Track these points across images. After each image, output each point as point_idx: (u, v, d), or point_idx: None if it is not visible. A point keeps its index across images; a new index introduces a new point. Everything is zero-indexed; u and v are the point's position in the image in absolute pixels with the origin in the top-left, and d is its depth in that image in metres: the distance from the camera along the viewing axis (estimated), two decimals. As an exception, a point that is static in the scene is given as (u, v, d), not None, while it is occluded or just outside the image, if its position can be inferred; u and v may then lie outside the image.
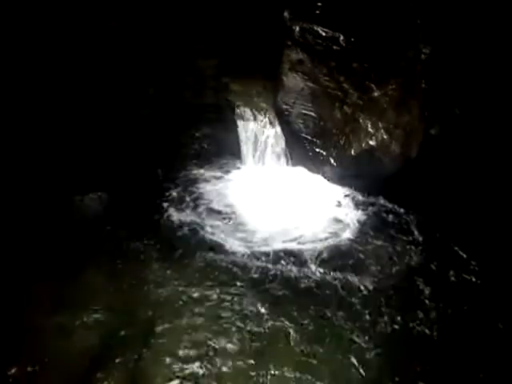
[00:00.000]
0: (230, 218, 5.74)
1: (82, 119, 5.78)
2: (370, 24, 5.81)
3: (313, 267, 4.97)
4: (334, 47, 6.07)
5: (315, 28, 6.15)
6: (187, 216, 5.75)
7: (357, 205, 5.99)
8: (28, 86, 5.43)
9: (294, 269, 4.95)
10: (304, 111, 6.25)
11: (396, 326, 4.31)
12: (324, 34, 6.10)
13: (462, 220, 5.50)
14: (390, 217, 5.76)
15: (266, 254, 5.16)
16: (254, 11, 6.82)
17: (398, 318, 4.38)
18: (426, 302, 4.57)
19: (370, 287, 4.74)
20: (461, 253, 5.13)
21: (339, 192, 6.21)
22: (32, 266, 4.90)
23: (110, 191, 5.97)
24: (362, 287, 4.73)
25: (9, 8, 5.16)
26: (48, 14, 5.32)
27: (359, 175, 6.12)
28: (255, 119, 6.49)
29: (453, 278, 4.84)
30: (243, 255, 5.16)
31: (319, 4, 6.13)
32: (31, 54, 5.38)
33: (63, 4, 5.34)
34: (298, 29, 6.22)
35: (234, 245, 5.30)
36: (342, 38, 6.02)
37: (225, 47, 6.37)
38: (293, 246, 5.32)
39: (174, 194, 6.12)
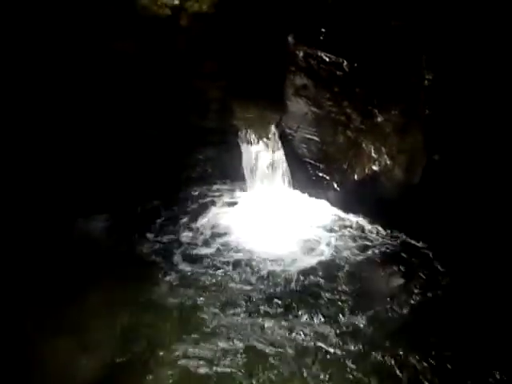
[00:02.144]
0: (231, 243, 5.70)
1: (87, 141, 5.81)
2: (374, 50, 5.84)
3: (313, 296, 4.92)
4: (338, 72, 6.09)
5: (319, 53, 6.19)
6: (189, 239, 5.74)
7: (359, 230, 5.94)
8: (33, 105, 5.49)
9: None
10: (307, 135, 6.28)
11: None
12: (328, 59, 6.14)
13: (465, 247, 5.44)
14: (392, 243, 5.70)
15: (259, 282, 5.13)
16: (259, 36, 6.89)
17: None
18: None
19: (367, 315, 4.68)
20: (464, 283, 5.07)
21: (342, 217, 6.17)
22: (33, 287, 4.88)
23: (113, 213, 5.99)
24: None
25: (13, 26, 5.22)
26: (53, 36, 5.38)
27: (362, 200, 6.09)
28: (259, 143, 6.51)
29: (453, 306, 4.78)
30: (241, 281, 5.13)
31: (323, 30, 6.18)
32: (35, 72, 5.43)
33: (68, 25, 5.40)
34: (301, 54, 6.27)
35: (233, 270, 5.27)
36: (345, 63, 6.05)
37: (230, 71, 6.40)
38: (288, 272, 5.28)
39: (177, 216, 6.12)
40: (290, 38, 6.44)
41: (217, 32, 6.01)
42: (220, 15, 5.87)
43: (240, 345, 4.31)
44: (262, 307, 4.76)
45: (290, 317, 4.65)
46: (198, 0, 5.72)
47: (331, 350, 4.26)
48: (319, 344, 4.32)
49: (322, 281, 5.11)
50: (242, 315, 4.66)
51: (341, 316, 4.64)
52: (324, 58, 6.17)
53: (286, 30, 6.57)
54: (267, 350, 4.25)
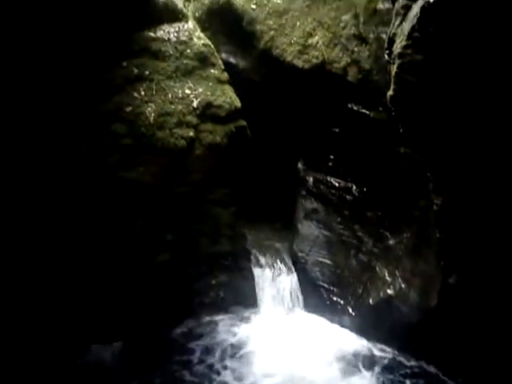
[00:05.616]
0: (245, 370, 5.52)
1: (99, 268, 5.81)
2: (382, 175, 6.04)
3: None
4: (348, 197, 6.28)
5: (328, 179, 6.43)
6: (204, 371, 5.54)
7: (374, 357, 5.73)
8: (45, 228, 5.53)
9: None
10: (320, 259, 6.31)
11: None
12: (337, 184, 6.36)
13: (489, 376, 5.20)
14: (410, 371, 5.48)
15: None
16: (270, 163, 7.17)
17: None
18: None
19: None
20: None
21: (357, 343, 5.98)
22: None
23: (126, 341, 5.86)
24: None
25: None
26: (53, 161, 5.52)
27: (378, 324, 5.95)
28: (271, 267, 6.53)
29: None
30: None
31: (331, 157, 6.44)
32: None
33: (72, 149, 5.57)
34: (311, 179, 6.51)
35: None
36: (354, 187, 6.26)
37: (241, 197, 6.56)
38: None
39: (190, 343, 5.96)
40: (299, 165, 6.72)
41: (229, 160, 6.24)
42: (233, 145, 6.13)
43: None
44: None
45: None
46: (211, 131, 6.01)
47: None
48: None
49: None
50: None
51: None
52: (333, 183, 6.39)
53: (295, 156, 6.87)
54: None
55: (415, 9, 4.09)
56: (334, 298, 6.18)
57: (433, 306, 5.55)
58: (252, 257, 6.60)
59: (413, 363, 5.63)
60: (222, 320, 6.38)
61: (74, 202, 5.58)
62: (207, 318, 6.37)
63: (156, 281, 6.12)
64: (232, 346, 5.98)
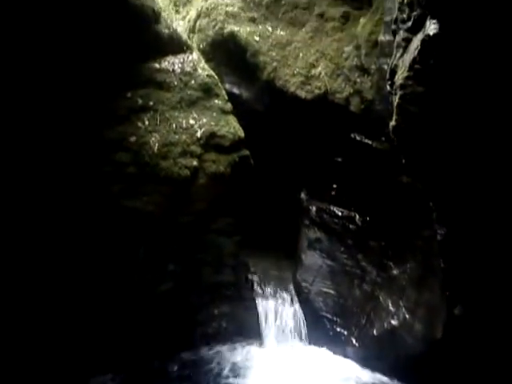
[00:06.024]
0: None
1: (99, 298, 5.78)
2: (385, 204, 6.03)
3: None
4: (351, 226, 6.27)
5: (331, 208, 6.44)
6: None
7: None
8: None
9: None
10: (323, 289, 6.27)
11: None
12: (340, 213, 6.35)
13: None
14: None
15: None
16: (273, 192, 7.18)
17: None
18: None
19: None
20: None
21: (362, 375, 5.88)
22: None
23: (126, 373, 5.77)
24: None
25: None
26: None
27: (383, 356, 5.86)
28: (274, 297, 6.49)
29: None
30: None
31: (334, 186, 6.45)
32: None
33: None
34: (314, 209, 6.52)
35: None
36: (357, 217, 6.26)
37: (245, 226, 6.55)
38: None
39: (191, 374, 5.86)
40: (302, 194, 6.73)
41: (233, 189, 6.26)
42: (236, 174, 6.15)
43: None
44: None
45: None
46: (215, 161, 6.05)
47: None
48: None
49: None
50: None
51: None
52: (336, 212, 6.39)
53: (298, 186, 6.89)
54: None
55: (416, 41, 4.16)
56: (338, 329, 6.11)
57: (438, 338, 5.47)
58: (255, 287, 6.56)
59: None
60: (225, 351, 6.30)
61: (77, 230, 5.59)
62: (209, 349, 6.28)
63: (158, 310, 6.07)
64: (233, 376, 5.89)
